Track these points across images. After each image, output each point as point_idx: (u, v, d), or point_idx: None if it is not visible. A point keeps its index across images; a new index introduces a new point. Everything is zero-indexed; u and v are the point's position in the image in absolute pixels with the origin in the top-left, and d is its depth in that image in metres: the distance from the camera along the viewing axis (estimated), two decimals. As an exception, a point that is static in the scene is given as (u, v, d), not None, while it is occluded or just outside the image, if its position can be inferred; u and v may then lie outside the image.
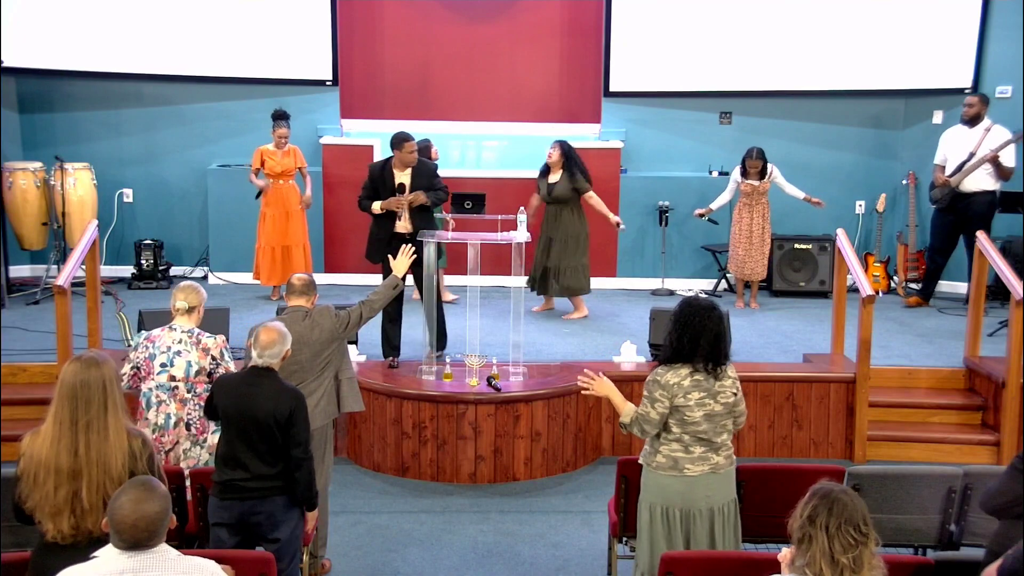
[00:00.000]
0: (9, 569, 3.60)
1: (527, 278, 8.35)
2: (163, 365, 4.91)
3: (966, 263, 8.71)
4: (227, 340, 5.19)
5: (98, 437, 3.53)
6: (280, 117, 8.75)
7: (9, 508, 3.67)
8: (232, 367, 5.00)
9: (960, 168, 8.57)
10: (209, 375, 4.94)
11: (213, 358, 4.96)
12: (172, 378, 4.90)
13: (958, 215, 8.64)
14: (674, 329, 4.24)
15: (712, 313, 4.20)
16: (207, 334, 5.01)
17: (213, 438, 4.94)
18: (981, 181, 8.56)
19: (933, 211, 8.94)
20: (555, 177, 8.27)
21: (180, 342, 4.94)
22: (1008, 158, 8.49)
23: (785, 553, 3.14)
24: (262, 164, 8.68)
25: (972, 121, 8.58)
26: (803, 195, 8.73)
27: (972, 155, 8.53)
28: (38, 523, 3.53)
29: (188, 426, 4.93)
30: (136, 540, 3.06)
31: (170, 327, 4.99)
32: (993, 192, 8.62)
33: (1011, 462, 3.75)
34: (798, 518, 3.04)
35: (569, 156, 8.25)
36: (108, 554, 3.09)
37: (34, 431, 3.60)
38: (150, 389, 4.92)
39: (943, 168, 8.74)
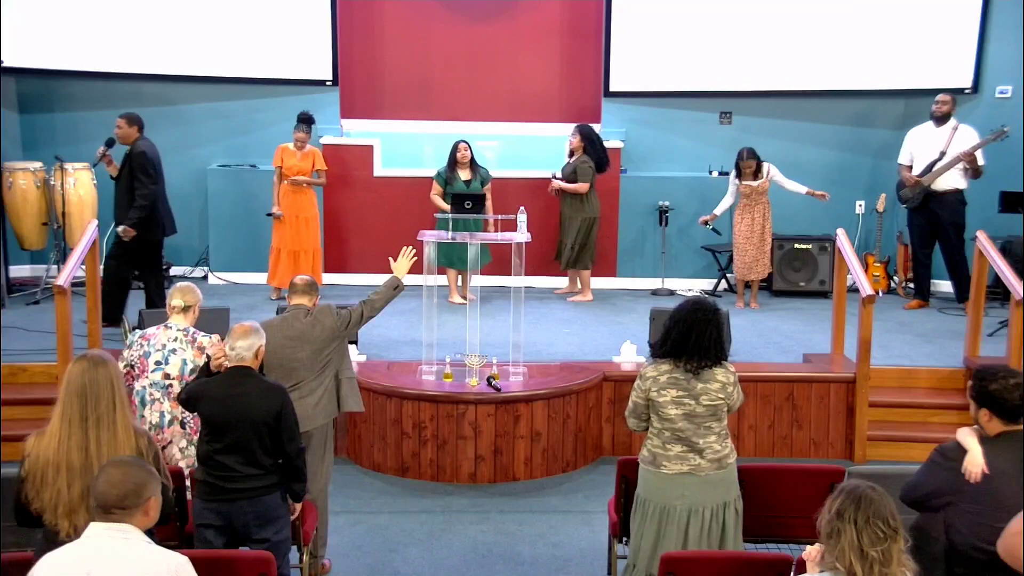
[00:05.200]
0: (9, 569, 3.60)
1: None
2: (158, 363, 4.91)
3: (944, 262, 8.82)
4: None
5: (108, 434, 3.54)
6: (301, 120, 8.79)
7: (9, 508, 3.67)
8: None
9: (931, 167, 8.60)
10: None
11: (208, 356, 4.93)
12: (167, 376, 4.90)
13: (930, 214, 8.72)
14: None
15: (690, 309, 4.24)
16: (202, 333, 5.02)
17: None
18: (952, 180, 8.61)
19: (906, 212, 8.99)
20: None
21: (175, 340, 4.94)
22: (979, 157, 8.53)
23: (810, 551, 3.16)
24: (281, 163, 8.72)
25: (941, 119, 8.63)
26: (805, 189, 8.75)
27: (943, 154, 8.56)
28: (48, 523, 3.53)
29: (183, 424, 4.93)
30: (102, 501, 3.08)
31: (165, 325, 5.00)
32: (962, 191, 8.66)
33: (930, 455, 3.84)
34: (826, 514, 3.06)
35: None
36: (88, 531, 3.12)
37: (38, 432, 3.60)
38: (144, 387, 4.92)
39: (910, 168, 8.79)
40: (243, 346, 4.28)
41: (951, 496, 3.75)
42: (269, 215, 8.86)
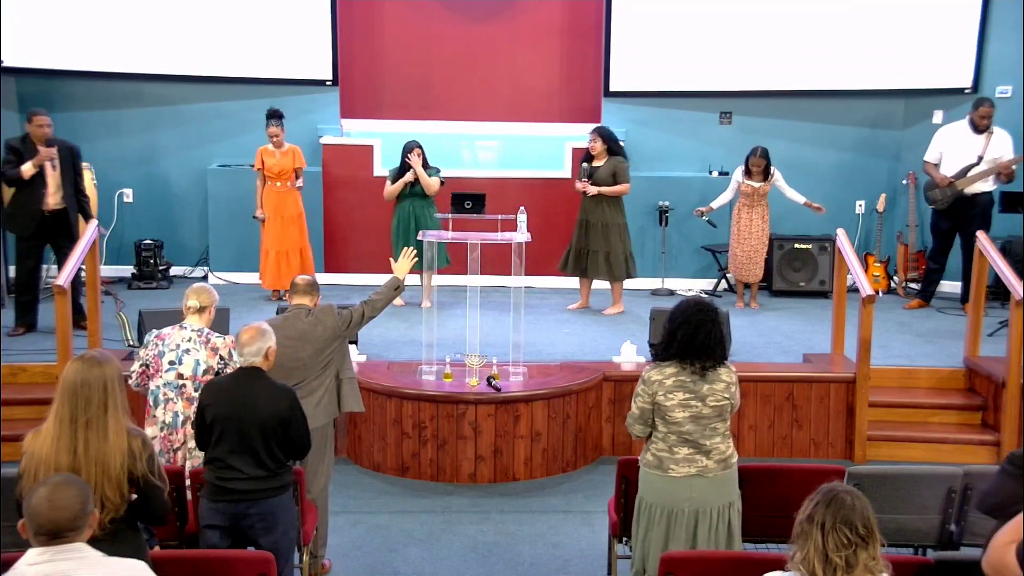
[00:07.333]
0: (9, 569, 3.60)
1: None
2: (172, 363, 4.93)
3: (961, 262, 8.76)
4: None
5: (97, 436, 3.54)
6: (269, 116, 8.71)
7: (10, 508, 3.68)
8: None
9: (966, 171, 8.51)
10: (217, 374, 4.95)
11: (221, 357, 4.97)
12: (180, 376, 4.92)
13: (958, 216, 8.62)
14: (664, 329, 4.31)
15: (694, 310, 4.21)
16: (216, 334, 5.04)
17: None
18: (984, 183, 8.56)
19: (931, 213, 8.91)
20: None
21: (189, 340, 4.96)
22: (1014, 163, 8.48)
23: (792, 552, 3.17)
24: (262, 165, 8.69)
25: (984, 130, 8.50)
26: (803, 200, 8.71)
27: (981, 158, 8.49)
28: None
29: None
30: (55, 528, 3.02)
31: (180, 326, 5.03)
32: (990, 192, 8.63)
33: (1001, 463, 3.80)
34: (800, 514, 3.07)
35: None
36: (26, 558, 3.05)
37: (36, 430, 3.61)
38: (158, 387, 4.94)
39: (936, 167, 8.69)
40: (251, 351, 4.32)
41: (1021, 504, 3.69)
42: (255, 218, 8.84)
